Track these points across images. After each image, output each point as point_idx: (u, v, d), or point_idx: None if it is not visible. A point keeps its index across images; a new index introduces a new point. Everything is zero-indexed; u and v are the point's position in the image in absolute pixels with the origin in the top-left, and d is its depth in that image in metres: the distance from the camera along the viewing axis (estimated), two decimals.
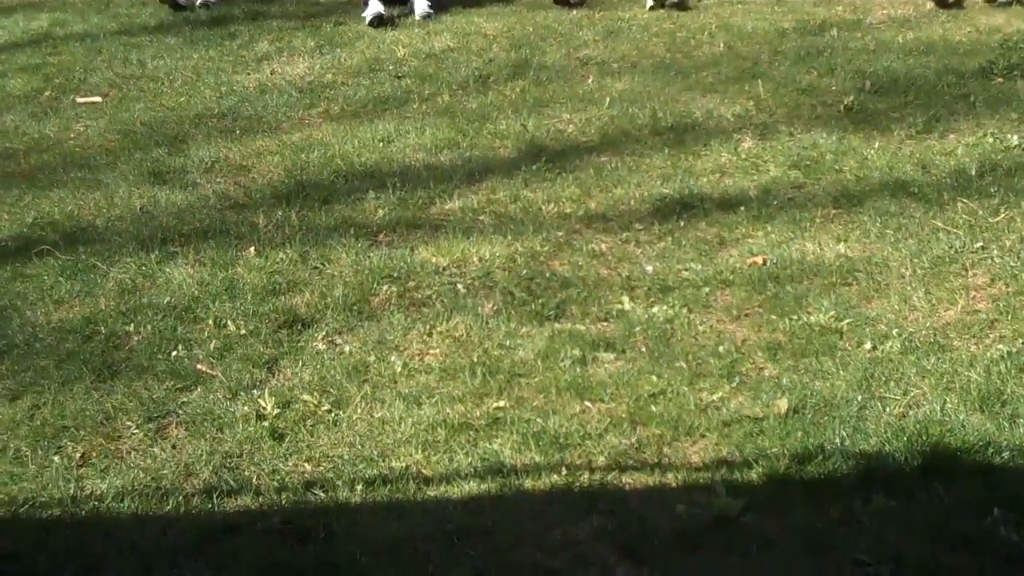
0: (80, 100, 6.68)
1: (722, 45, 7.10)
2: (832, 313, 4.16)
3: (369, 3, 7.67)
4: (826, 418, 3.57)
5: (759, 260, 4.58)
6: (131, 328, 4.25)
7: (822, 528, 3.12)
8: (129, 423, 3.70)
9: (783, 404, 3.64)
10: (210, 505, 3.31)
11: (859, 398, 3.67)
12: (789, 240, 4.72)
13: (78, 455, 3.56)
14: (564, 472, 3.37)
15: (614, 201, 5.16)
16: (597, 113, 6.17)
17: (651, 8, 7.50)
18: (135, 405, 3.79)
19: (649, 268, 4.58)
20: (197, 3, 8.52)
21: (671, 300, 4.32)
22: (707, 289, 4.39)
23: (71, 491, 3.39)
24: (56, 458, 3.54)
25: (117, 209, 5.22)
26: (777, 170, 5.36)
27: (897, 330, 4.05)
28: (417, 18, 7.89)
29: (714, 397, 3.72)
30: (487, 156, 5.70)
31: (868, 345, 3.97)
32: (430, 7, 7.97)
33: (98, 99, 6.67)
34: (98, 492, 3.38)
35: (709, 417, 3.62)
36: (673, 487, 3.32)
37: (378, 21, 7.41)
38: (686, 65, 6.66)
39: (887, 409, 3.61)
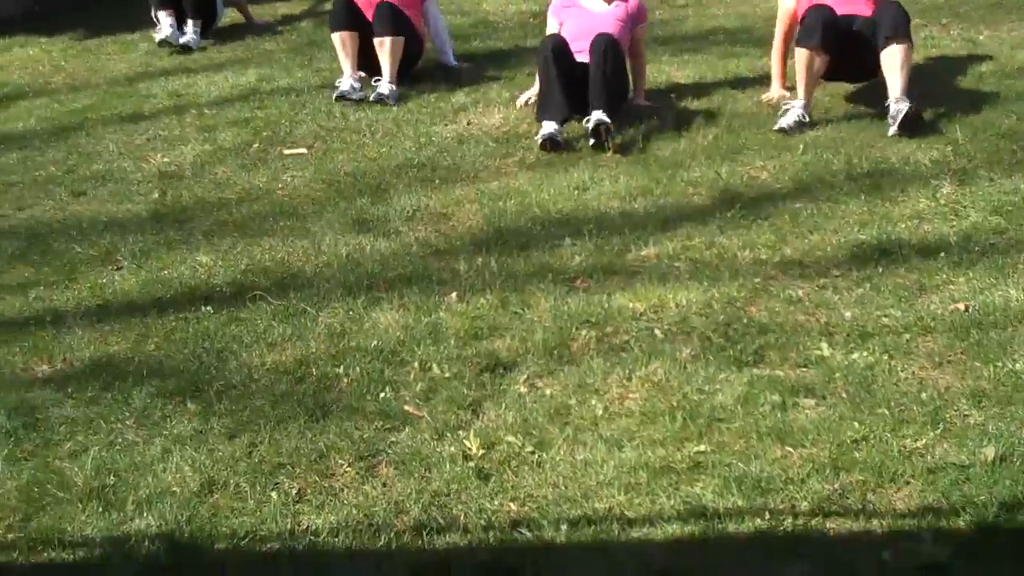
0: (287, 152, 6.94)
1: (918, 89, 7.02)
2: None
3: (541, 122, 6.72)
4: None
5: (961, 306, 4.53)
6: (341, 370, 4.41)
7: None
8: (341, 461, 3.85)
9: (990, 452, 3.60)
10: (420, 542, 3.43)
11: None
12: (992, 286, 4.66)
13: (294, 491, 3.71)
14: (767, 516, 3.39)
15: (810, 247, 5.16)
16: (791, 159, 6.18)
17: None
18: (347, 444, 3.93)
19: (848, 314, 4.57)
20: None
21: (871, 346, 4.31)
22: (908, 335, 4.36)
23: (288, 526, 3.54)
24: (273, 494, 3.70)
25: (324, 256, 5.43)
26: (977, 215, 5.29)
27: None
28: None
29: (918, 444, 3.70)
30: (681, 203, 5.76)
31: None
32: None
33: (304, 151, 6.91)
34: (314, 527, 3.52)
35: (913, 464, 3.59)
36: (878, 533, 3.31)
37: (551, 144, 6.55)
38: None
39: None
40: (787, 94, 7.05)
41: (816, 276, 4.90)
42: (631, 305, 4.75)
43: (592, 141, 6.43)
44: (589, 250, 5.25)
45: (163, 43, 9.48)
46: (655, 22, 9.45)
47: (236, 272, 5.34)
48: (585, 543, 3.36)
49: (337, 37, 7.80)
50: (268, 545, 3.46)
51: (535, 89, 7.07)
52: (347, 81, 7.72)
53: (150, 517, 3.61)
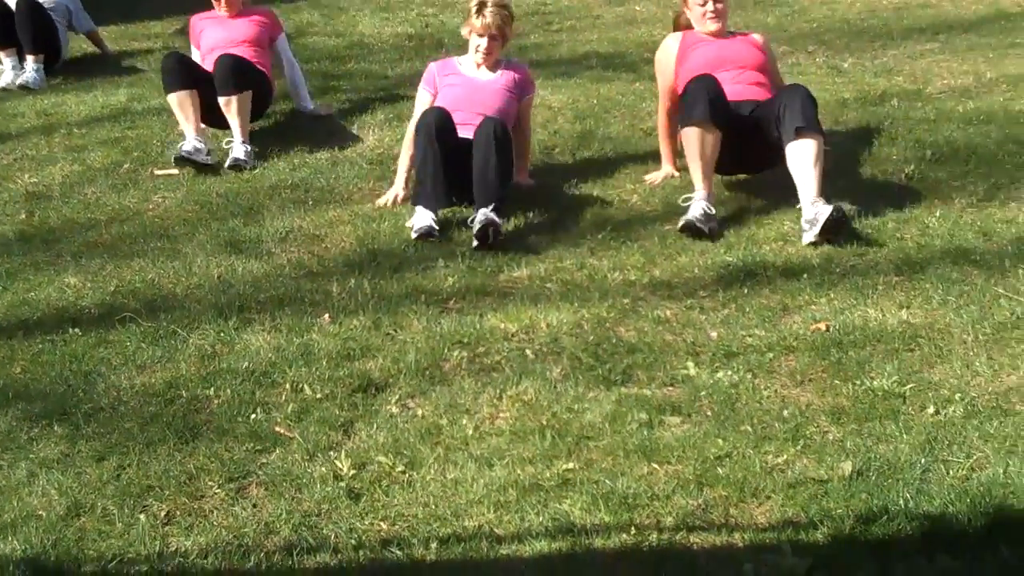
0: (158, 172, 6.88)
1: None
2: (895, 378, 4.24)
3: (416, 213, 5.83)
4: (890, 480, 3.63)
5: (822, 326, 4.66)
6: (211, 392, 4.39)
7: None
8: (211, 483, 3.83)
9: (847, 467, 3.71)
10: (290, 562, 3.42)
11: (922, 461, 3.73)
12: (852, 307, 4.80)
13: (163, 513, 3.68)
14: (633, 532, 3.45)
15: (678, 269, 5.27)
16: (662, 183, 6.29)
17: None
18: (216, 466, 3.91)
19: (714, 334, 4.68)
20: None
21: (736, 365, 4.41)
22: (771, 355, 4.48)
23: (157, 548, 3.50)
24: (142, 516, 3.67)
25: (196, 278, 5.39)
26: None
27: (960, 395, 4.11)
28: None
29: (779, 460, 3.80)
30: (552, 225, 5.83)
31: (931, 409, 4.04)
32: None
33: (175, 171, 6.84)
34: (183, 549, 3.49)
35: (775, 479, 3.69)
36: (740, 547, 3.39)
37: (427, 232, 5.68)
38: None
39: (950, 472, 3.67)
40: (676, 174, 6.34)
41: (684, 297, 5.00)
42: (503, 326, 4.80)
43: (476, 243, 5.53)
44: (462, 272, 5.30)
45: (6, 89, 8.90)
46: (529, 46, 9.61)
47: (105, 294, 5.28)
48: (455, 561, 3.39)
49: (174, 98, 7.01)
50: (136, 568, 3.43)
51: (400, 179, 6.30)
52: (190, 142, 6.87)
53: (15, 541, 3.54)
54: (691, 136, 5.66)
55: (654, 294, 5.05)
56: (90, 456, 4.02)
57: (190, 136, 6.92)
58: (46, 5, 9.29)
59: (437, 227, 5.64)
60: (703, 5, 6.20)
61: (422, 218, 5.67)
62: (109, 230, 6.08)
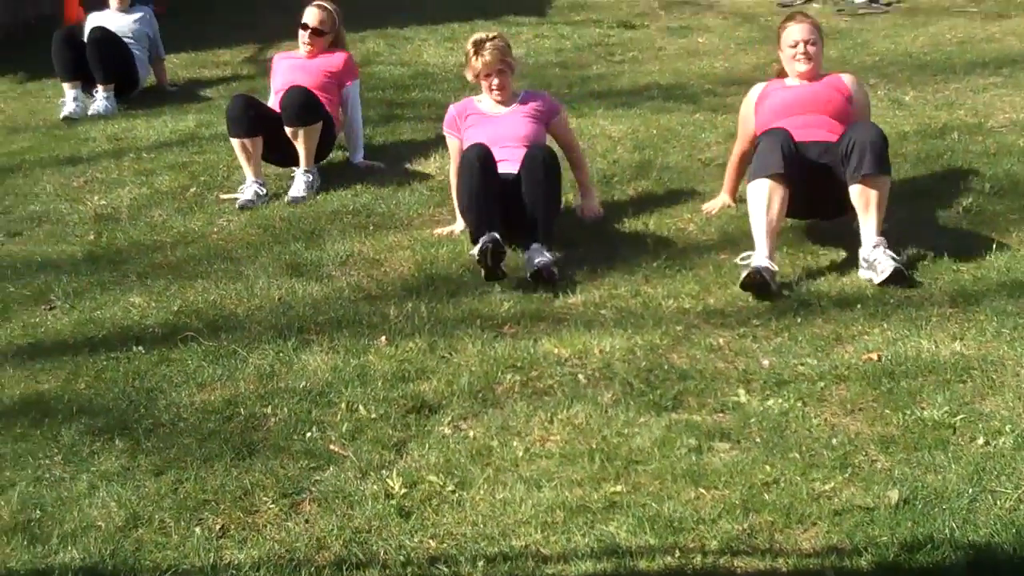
0: (223, 197, 7.01)
1: None
2: (946, 409, 4.24)
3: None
4: (936, 510, 3.64)
5: (874, 356, 4.68)
6: (269, 410, 4.49)
7: None
8: (266, 498, 3.92)
9: (894, 495, 3.73)
10: None
11: (970, 491, 3.73)
12: (905, 337, 4.81)
13: (218, 527, 3.78)
14: (677, 555, 3.49)
15: (732, 298, 5.30)
16: (718, 213, 6.33)
17: None
18: (271, 482, 4.00)
19: (766, 362, 4.70)
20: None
21: (786, 393, 4.44)
22: (822, 384, 4.49)
23: (211, 560, 3.60)
24: (197, 529, 3.76)
25: (257, 299, 5.51)
26: None
27: (1010, 426, 4.11)
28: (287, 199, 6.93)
29: (826, 487, 3.82)
30: (608, 253, 5.88)
31: (981, 440, 4.04)
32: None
33: (240, 196, 6.96)
34: (236, 562, 3.58)
35: (821, 506, 3.71)
36: (784, 572, 3.42)
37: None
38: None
39: (998, 503, 3.67)
40: (733, 204, 6.33)
41: (737, 325, 5.03)
42: (556, 351, 4.86)
43: (531, 274, 5.48)
44: (517, 297, 5.36)
45: (67, 119, 8.99)
46: (591, 76, 9.69)
47: (168, 313, 5.41)
48: None
49: (237, 144, 7.04)
50: None
51: (458, 224, 6.20)
52: (250, 189, 6.95)
53: (74, 551, 3.66)
54: (758, 191, 5.43)
55: (707, 322, 5.09)
56: (149, 470, 4.13)
57: (249, 179, 6.97)
58: (127, 34, 9.47)
59: (501, 240, 5.42)
60: (793, 47, 6.07)
61: (484, 238, 5.41)
62: (174, 252, 6.22)
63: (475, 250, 5.45)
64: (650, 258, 5.79)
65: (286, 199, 6.92)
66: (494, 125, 6.23)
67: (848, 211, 5.57)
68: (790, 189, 5.43)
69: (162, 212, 6.87)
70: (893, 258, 5.23)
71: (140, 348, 5.04)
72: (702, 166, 7.17)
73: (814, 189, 5.57)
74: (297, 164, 7.12)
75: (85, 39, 9.25)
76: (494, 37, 6.29)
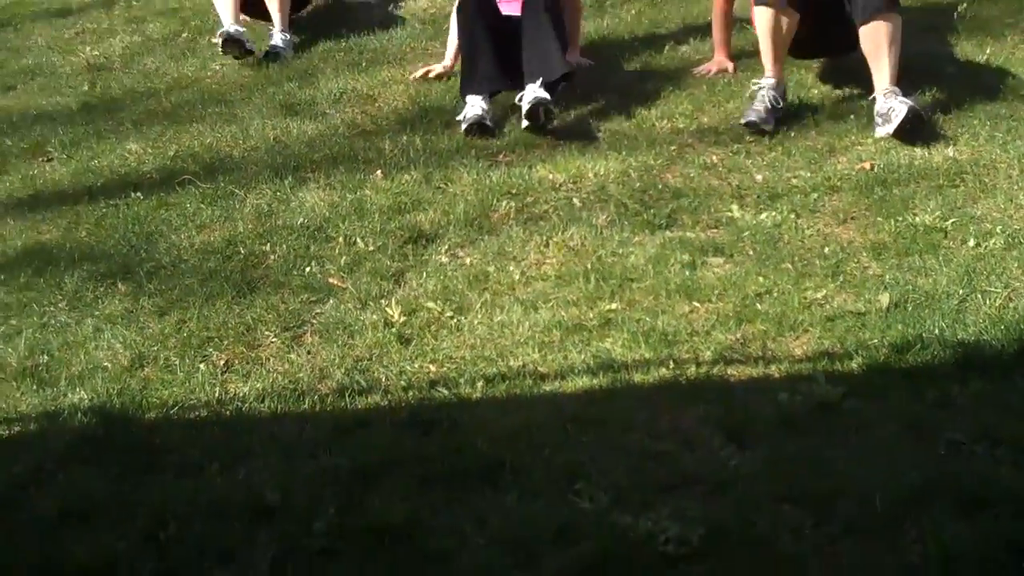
0: (216, 41, 6.94)
1: None
2: (938, 213, 4.28)
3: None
4: (927, 311, 3.70)
5: (867, 166, 4.69)
6: (268, 248, 4.53)
7: (919, 411, 3.25)
8: (268, 333, 3.99)
9: (885, 299, 3.78)
10: (343, 403, 3.58)
11: (960, 292, 3.79)
12: (898, 146, 4.81)
13: (222, 363, 3.86)
14: (672, 366, 3.56)
15: (726, 115, 5.30)
16: (711, 32, 6.25)
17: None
18: (273, 317, 4.07)
19: (759, 177, 4.72)
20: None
21: (779, 206, 4.47)
22: (815, 195, 4.52)
23: (216, 394, 3.68)
24: (202, 366, 3.84)
25: (252, 140, 5.51)
26: None
27: (1001, 227, 4.15)
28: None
29: (818, 295, 3.87)
30: (602, 77, 5.85)
31: (972, 243, 4.09)
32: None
33: None
34: (241, 394, 3.67)
35: (812, 313, 3.77)
36: (776, 378, 3.49)
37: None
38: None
39: (987, 302, 3.73)
40: (729, 66, 5.84)
41: (730, 142, 5.04)
42: (551, 176, 4.88)
43: (526, 123, 5.22)
44: (511, 125, 5.35)
45: None
46: None
47: (165, 159, 5.43)
48: (500, 398, 3.53)
49: None
50: (197, 413, 3.61)
51: (448, 56, 5.99)
52: (230, 25, 6.47)
53: (82, 392, 3.74)
54: (763, 16, 5.13)
55: (701, 141, 5.09)
56: (152, 311, 4.20)
57: (228, 23, 6.48)
58: None
59: (489, 115, 5.33)
60: None
61: (471, 107, 5.33)
62: (168, 98, 6.20)
63: (462, 121, 5.34)
64: (644, 80, 5.77)
65: (262, 52, 6.54)
66: None
67: (851, 50, 5.22)
68: (797, 16, 5.10)
69: (154, 59, 6.83)
70: (906, 102, 4.83)
71: (138, 194, 5.07)
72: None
73: (820, 25, 5.22)
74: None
75: None
76: None
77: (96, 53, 7.03)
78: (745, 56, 5.83)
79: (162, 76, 6.56)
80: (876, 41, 4.98)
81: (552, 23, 5.39)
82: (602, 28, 6.52)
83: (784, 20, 5.10)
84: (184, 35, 7.15)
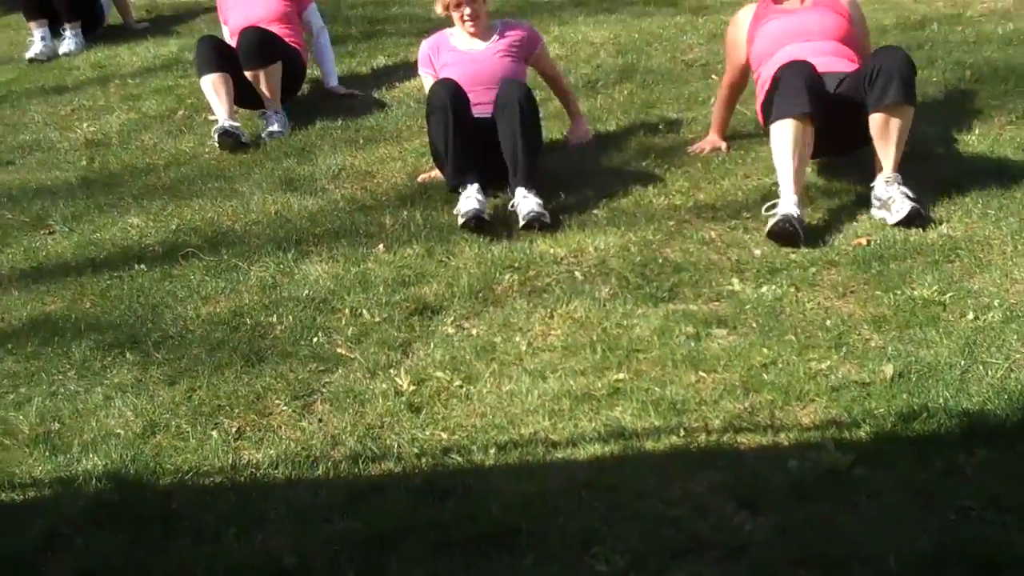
0: (212, 118, 7.03)
1: None
2: (936, 288, 4.35)
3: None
4: (930, 381, 3.76)
5: (863, 241, 4.78)
6: (274, 319, 4.58)
7: (927, 479, 3.30)
8: (278, 401, 4.03)
9: (889, 370, 3.85)
10: (356, 470, 3.61)
11: (962, 363, 3.85)
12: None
13: (234, 430, 3.89)
14: (682, 434, 3.61)
15: (722, 192, 5.40)
16: (703, 111, 6.40)
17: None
18: (283, 385, 4.11)
19: (758, 252, 4.80)
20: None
21: (779, 280, 4.54)
22: (814, 269, 4.60)
23: (230, 460, 3.71)
24: (214, 433, 3.87)
25: (253, 214, 5.58)
26: None
27: (998, 301, 4.23)
28: None
29: (823, 366, 3.93)
30: (598, 155, 5.96)
31: (970, 316, 4.16)
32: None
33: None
34: (254, 461, 3.70)
35: (818, 383, 3.83)
36: (785, 446, 3.54)
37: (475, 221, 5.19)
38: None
39: (989, 373, 3.79)
40: (723, 145, 5.86)
41: (728, 218, 5.13)
42: (552, 251, 4.95)
43: (523, 226, 5.16)
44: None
45: (33, 61, 8.68)
46: None
47: (167, 232, 5.48)
48: (513, 465, 3.56)
49: (208, 82, 6.69)
50: (211, 479, 3.63)
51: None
52: (225, 121, 6.59)
53: (96, 458, 3.76)
54: (785, 133, 4.95)
55: (699, 216, 5.18)
56: (162, 380, 4.23)
57: (223, 119, 6.58)
58: None
59: (485, 207, 5.24)
60: None
61: (467, 200, 5.25)
62: (167, 173, 6.28)
63: (458, 216, 5.22)
64: (639, 157, 5.87)
65: (263, 135, 6.68)
66: (471, 64, 5.76)
67: (862, 146, 5.18)
68: (814, 129, 4.98)
69: (152, 136, 6.92)
70: (908, 196, 4.87)
71: (142, 266, 5.12)
72: (685, 67, 7.24)
73: (831, 125, 5.05)
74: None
75: None
76: None
77: (93, 129, 7.12)
78: (737, 137, 5.95)
79: (160, 152, 6.64)
80: (887, 129, 4.96)
81: (533, 131, 5.43)
82: (595, 107, 6.64)
83: (806, 133, 4.95)
84: (180, 112, 7.24)
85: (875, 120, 4.97)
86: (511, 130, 5.32)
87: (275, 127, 6.73)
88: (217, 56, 6.73)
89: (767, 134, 5.15)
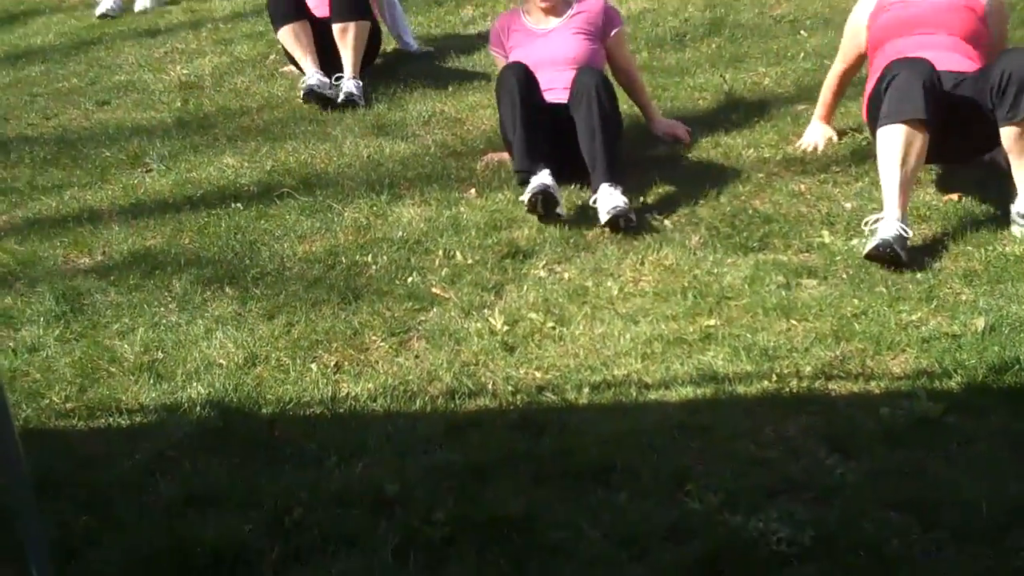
0: (299, 91, 7.03)
1: None
2: None
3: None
4: (1022, 335, 3.78)
5: (955, 197, 4.79)
6: (369, 258, 4.67)
7: (1019, 428, 3.34)
8: (375, 337, 4.12)
9: (980, 323, 3.87)
10: (453, 405, 3.70)
11: None
12: (985, 178, 4.89)
13: (332, 364, 3.99)
14: (774, 379, 3.67)
15: (811, 146, 5.39)
16: (792, 67, 6.41)
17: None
18: (379, 322, 4.21)
19: (848, 205, 4.82)
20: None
21: None
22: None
23: (329, 392, 3.81)
24: (313, 366, 3.97)
25: (346, 158, 5.67)
26: None
27: None
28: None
29: (913, 317, 3.97)
30: (688, 107, 5.99)
31: None
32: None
33: None
34: (353, 393, 3.79)
35: (909, 334, 3.87)
36: (876, 393, 3.59)
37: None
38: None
39: None
40: (834, 135, 5.43)
41: (817, 172, 5.15)
42: (641, 199, 4.99)
43: (606, 222, 4.76)
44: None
45: (103, 17, 8.56)
46: None
47: (262, 173, 5.59)
48: (606, 404, 3.64)
49: (287, 31, 6.50)
50: (311, 410, 3.73)
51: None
52: (313, 76, 6.41)
53: (199, 387, 3.87)
54: (894, 140, 4.45)
55: (787, 170, 5.20)
56: (260, 314, 4.33)
57: (311, 71, 6.44)
58: None
59: (552, 187, 4.82)
60: None
61: (537, 177, 4.86)
62: (260, 116, 6.38)
63: (524, 197, 4.86)
64: (728, 111, 5.89)
65: (339, 98, 6.39)
66: (542, 44, 5.43)
67: (983, 153, 4.90)
68: (928, 135, 4.47)
69: (244, 79, 7.02)
70: None
71: (238, 205, 5.22)
72: (774, 23, 7.23)
73: (947, 130, 4.57)
74: (340, 71, 6.54)
75: None
76: None
77: (186, 72, 7.23)
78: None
79: (252, 95, 6.74)
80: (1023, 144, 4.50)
81: (612, 120, 5.01)
82: (683, 60, 6.67)
83: (918, 141, 4.44)
84: (272, 57, 7.33)
85: (1008, 136, 4.48)
86: (589, 123, 4.93)
87: (353, 92, 6.40)
88: (293, 4, 6.56)
89: (871, 133, 4.77)
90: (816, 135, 5.44)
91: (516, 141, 4.99)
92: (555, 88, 5.21)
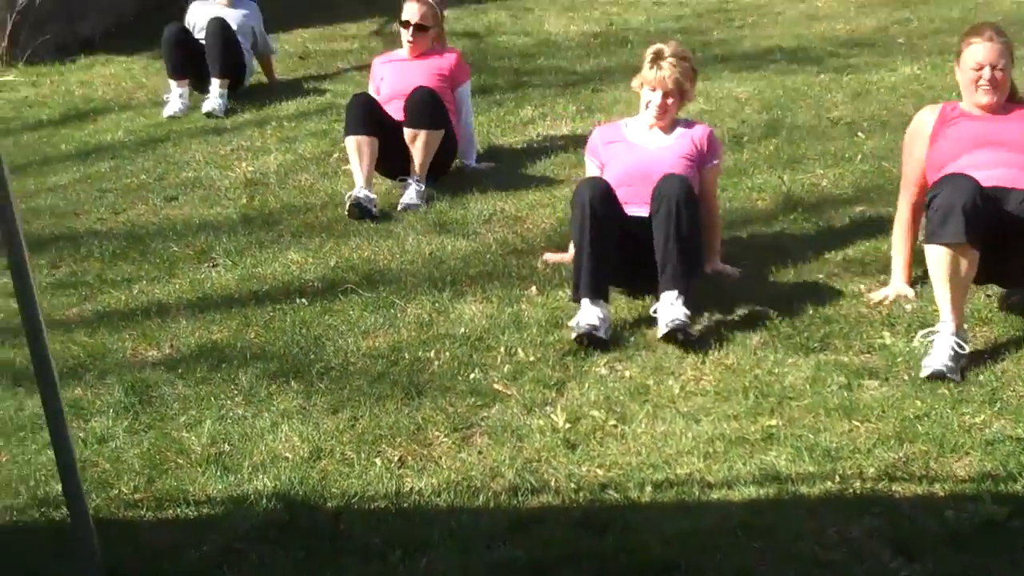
0: (345, 201, 7.04)
1: None
2: None
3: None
4: None
5: (1015, 300, 4.79)
6: (431, 354, 4.73)
7: None
8: (438, 433, 4.17)
9: None
10: (516, 501, 3.74)
11: None
12: None
13: (396, 458, 4.03)
14: (837, 480, 3.68)
15: (870, 247, 5.44)
16: (850, 168, 6.47)
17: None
18: (442, 418, 4.26)
19: (908, 307, 4.84)
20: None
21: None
22: (966, 325, 4.60)
23: (393, 487, 3.85)
24: (377, 460, 4.02)
25: (408, 255, 5.76)
26: None
27: None
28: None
29: (977, 420, 3.97)
30: (746, 207, 6.06)
31: None
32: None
33: None
34: (416, 488, 3.83)
35: (972, 436, 3.87)
36: (940, 496, 3.59)
37: None
38: None
39: None
40: (910, 292, 4.99)
41: (877, 273, 5.18)
42: (702, 299, 5.02)
43: (663, 335, 4.69)
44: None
45: (171, 118, 8.63)
46: (713, 41, 9.82)
47: (326, 268, 5.68)
48: (669, 503, 3.66)
49: (353, 142, 6.52)
50: (376, 504, 3.78)
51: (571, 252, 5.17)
52: (360, 190, 6.42)
53: (265, 479, 3.93)
54: (939, 259, 4.39)
55: (847, 271, 5.24)
56: (325, 409, 4.40)
57: (359, 184, 6.46)
58: (234, 27, 9.02)
59: (601, 326, 4.73)
60: (976, 71, 4.85)
61: (585, 315, 4.76)
62: (324, 213, 6.49)
63: (573, 327, 4.75)
64: (785, 211, 5.95)
65: (399, 207, 6.48)
66: (641, 158, 5.27)
67: None
68: (978, 251, 4.38)
69: (308, 176, 7.15)
70: None
71: (303, 300, 5.31)
72: (831, 125, 7.30)
73: (1008, 249, 4.52)
74: (407, 174, 6.65)
75: (193, 30, 9.05)
76: (682, 56, 5.34)
77: (251, 169, 7.37)
78: (885, 193, 5.98)
79: (316, 192, 6.86)
80: None
81: (690, 232, 4.83)
82: (741, 161, 6.74)
83: (964, 260, 4.36)
84: (335, 155, 7.45)
85: None
86: (665, 228, 4.79)
87: (413, 198, 6.51)
88: (368, 116, 6.60)
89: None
90: (890, 289, 5.04)
91: (577, 265, 4.90)
92: (640, 205, 5.04)
